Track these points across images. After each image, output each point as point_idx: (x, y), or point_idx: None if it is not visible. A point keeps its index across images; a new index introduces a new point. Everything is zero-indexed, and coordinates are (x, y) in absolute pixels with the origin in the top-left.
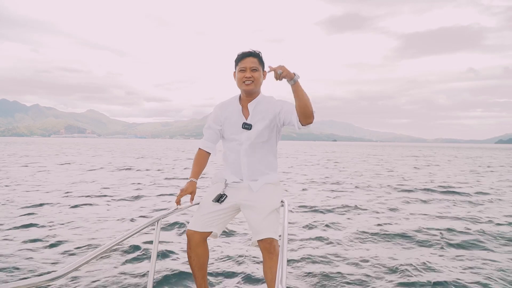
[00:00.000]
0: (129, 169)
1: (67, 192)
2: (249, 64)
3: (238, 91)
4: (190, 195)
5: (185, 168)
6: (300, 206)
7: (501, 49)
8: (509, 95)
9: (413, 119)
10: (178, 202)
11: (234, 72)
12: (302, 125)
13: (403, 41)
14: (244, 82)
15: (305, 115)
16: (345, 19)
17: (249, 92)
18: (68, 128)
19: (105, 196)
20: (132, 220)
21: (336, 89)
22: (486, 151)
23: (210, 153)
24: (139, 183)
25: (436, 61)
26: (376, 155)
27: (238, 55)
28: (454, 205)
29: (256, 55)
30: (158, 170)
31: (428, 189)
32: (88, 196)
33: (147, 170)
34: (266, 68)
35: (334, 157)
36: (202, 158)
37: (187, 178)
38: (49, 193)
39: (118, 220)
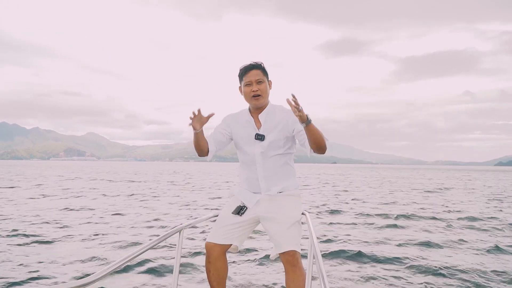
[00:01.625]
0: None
1: None
2: (254, 77)
3: (239, 108)
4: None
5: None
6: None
7: (496, 72)
8: (507, 118)
9: (412, 141)
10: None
11: (240, 87)
12: (314, 153)
13: (401, 65)
14: (252, 96)
15: (318, 148)
16: (343, 44)
17: (259, 106)
18: (68, 151)
19: None
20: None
21: (335, 112)
22: (497, 174)
23: (208, 152)
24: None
25: (433, 85)
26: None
27: (241, 70)
28: None
29: (259, 66)
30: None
31: None
32: None
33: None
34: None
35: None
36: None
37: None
38: None
39: None
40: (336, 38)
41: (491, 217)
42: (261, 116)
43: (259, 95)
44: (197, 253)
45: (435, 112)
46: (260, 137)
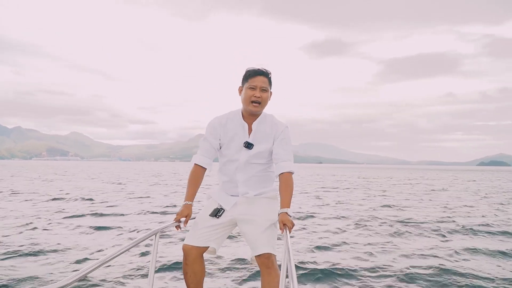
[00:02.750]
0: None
1: None
2: (260, 84)
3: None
4: (185, 218)
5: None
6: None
7: (478, 74)
8: (487, 119)
9: (396, 141)
10: (178, 228)
11: (241, 87)
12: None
13: (385, 66)
14: (252, 102)
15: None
16: (328, 44)
17: (255, 113)
18: (50, 150)
19: None
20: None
21: (320, 112)
22: (487, 174)
23: (206, 169)
24: None
25: (416, 86)
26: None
27: (249, 71)
28: None
29: (267, 74)
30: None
31: None
32: None
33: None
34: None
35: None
36: (198, 175)
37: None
38: None
39: None
40: (321, 39)
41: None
42: (254, 124)
43: (259, 103)
44: (174, 256)
45: (418, 113)
46: (249, 146)
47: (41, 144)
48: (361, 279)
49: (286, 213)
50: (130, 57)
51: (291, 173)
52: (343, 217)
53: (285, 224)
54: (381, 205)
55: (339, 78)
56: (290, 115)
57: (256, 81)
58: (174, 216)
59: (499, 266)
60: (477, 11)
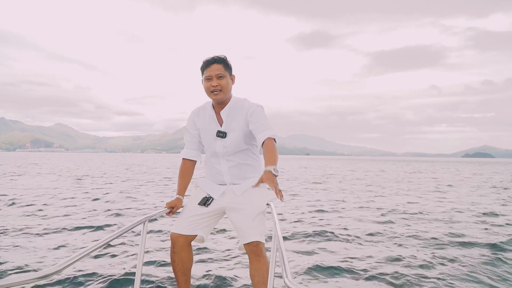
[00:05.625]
0: None
1: None
2: (215, 72)
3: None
4: (173, 208)
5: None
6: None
7: (461, 67)
8: (471, 111)
9: (382, 133)
10: (169, 214)
11: (202, 80)
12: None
13: (371, 59)
14: (212, 92)
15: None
16: (314, 37)
17: (219, 101)
18: (35, 142)
19: None
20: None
21: (307, 104)
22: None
23: (195, 161)
24: None
25: (401, 79)
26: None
27: (203, 63)
28: None
29: (220, 60)
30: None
31: None
32: None
33: None
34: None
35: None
36: (187, 169)
37: None
38: None
39: None
40: (308, 31)
41: None
42: (222, 113)
43: (218, 91)
44: (162, 244)
45: (403, 105)
46: (221, 135)
47: (25, 135)
48: (350, 269)
49: (271, 171)
50: (113, 48)
51: (273, 139)
52: (343, 208)
53: (271, 182)
54: (407, 202)
55: (326, 70)
56: (277, 107)
57: (210, 71)
58: (162, 205)
59: None
60: (461, 4)
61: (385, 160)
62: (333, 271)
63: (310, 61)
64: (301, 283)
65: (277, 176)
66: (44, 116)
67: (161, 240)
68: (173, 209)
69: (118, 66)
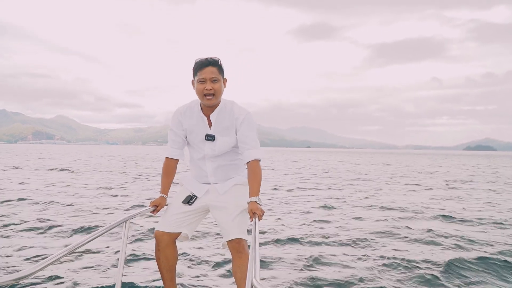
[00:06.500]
0: None
1: None
2: (209, 75)
3: None
4: (157, 207)
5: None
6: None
7: (463, 59)
8: (473, 103)
9: (383, 126)
10: (153, 212)
11: (193, 80)
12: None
13: (372, 51)
14: (205, 95)
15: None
16: (315, 28)
17: (210, 105)
18: (36, 134)
19: None
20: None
21: (307, 97)
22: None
23: (178, 160)
24: None
25: (403, 71)
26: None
27: (196, 64)
28: None
29: (215, 63)
30: None
31: None
32: None
33: None
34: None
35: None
36: (170, 168)
37: None
38: None
39: None
40: (308, 23)
41: None
42: (212, 116)
43: (212, 95)
44: (145, 242)
45: (404, 98)
46: (210, 138)
47: (27, 127)
48: (332, 266)
49: (255, 201)
50: (114, 40)
51: (258, 160)
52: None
53: (255, 212)
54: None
55: (326, 62)
56: (277, 99)
57: (205, 73)
58: (143, 205)
59: None
60: None
61: (390, 153)
62: (308, 274)
63: (310, 53)
64: (272, 282)
65: (261, 205)
66: (45, 108)
67: (144, 238)
68: (157, 207)
69: (119, 58)
